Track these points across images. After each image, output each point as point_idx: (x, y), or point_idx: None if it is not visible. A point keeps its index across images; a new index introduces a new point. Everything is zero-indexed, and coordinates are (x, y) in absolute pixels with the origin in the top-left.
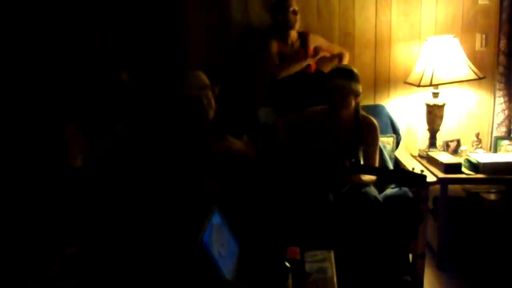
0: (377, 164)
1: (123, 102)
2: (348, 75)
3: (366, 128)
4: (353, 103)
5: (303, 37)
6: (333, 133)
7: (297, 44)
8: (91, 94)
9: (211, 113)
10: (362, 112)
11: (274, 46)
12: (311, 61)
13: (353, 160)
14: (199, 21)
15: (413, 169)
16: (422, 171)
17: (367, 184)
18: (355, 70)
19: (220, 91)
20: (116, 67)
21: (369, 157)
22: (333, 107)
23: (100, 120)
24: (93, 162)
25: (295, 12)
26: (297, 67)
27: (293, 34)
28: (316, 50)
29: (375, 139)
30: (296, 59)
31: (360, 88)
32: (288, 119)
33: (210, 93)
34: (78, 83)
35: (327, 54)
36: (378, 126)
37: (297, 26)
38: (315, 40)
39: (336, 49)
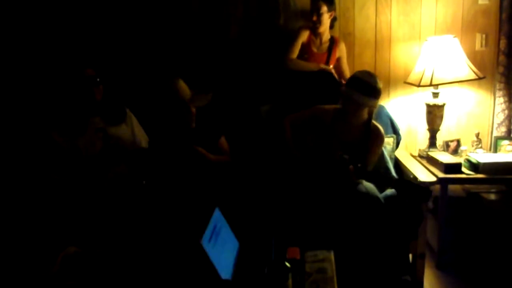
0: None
1: (95, 96)
2: (368, 91)
3: (374, 137)
4: (365, 114)
5: (333, 42)
6: (341, 136)
7: (325, 45)
8: (62, 90)
9: (193, 123)
10: (374, 122)
11: (305, 35)
12: (324, 67)
13: (359, 165)
14: (199, 17)
15: (417, 179)
16: (425, 183)
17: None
18: (379, 84)
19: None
20: (81, 63)
21: (366, 162)
22: (343, 114)
23: (75, 115)
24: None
25: (318, 12)
26: (309, 67)
27: (324, 34)
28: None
29: (378, 149)
30: (314, 59)
31: (377, 102)
32: (298, 115)
33: (191, 106)
34: (48, 82)
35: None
36: (384, 137)
37: (321, 26)
38: (341, 50)
39: (345, 69)
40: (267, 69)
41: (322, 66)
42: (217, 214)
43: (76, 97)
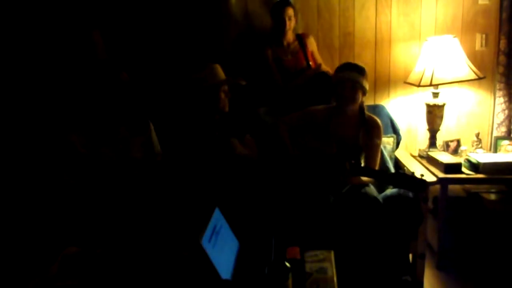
0: (377, 165)
1: (124, 103)
2: (358, 69)
3: (371, 128)
4: (360, 98)
5: (301, 38)
6: (337, 133)
7: (294, 45)
8: (92, 97)
9: (227, 107)
10: (368, 113)
11: (270, 54)
12: (312, 74)
13: (353, 162)
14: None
15: (413, 173)
16: (422, 175)
17: (366, 184)
18: (364, 68)
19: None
20: (116, 68)
21: (370, 158)
22: (340, 102)
23: (103, 123)
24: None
25: (289, 18)
26: (301, 81)
27: (289, 36)
28: (318, 66)
29: (378, 141)
30: (291, 66)
31: (367, 85)
32: (291, 117)
33: (226, 87)
34: (78, 86)
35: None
36: (382, 127)
37: (291, 29)
38: (311, 43)
39: (319, 60)
40: (265, 71)
41: (310, 73)
42: (217, 214)
43: (110, 101)
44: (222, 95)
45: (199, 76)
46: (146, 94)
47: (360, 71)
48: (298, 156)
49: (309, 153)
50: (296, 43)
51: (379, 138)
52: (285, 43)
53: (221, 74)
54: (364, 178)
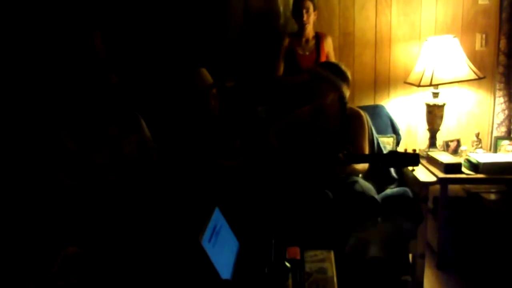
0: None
1: (113, 103)
2: (336, 70)
3: (354, 120)
4: (330, 95)
5: (319, 38)
6: (324, 129)
7: (312, 43)
8: (82, 97)
9: (217, 109)
10: (349, 105)
11: (286, 42)
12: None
13: (345, 152)
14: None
15: (405, 150)
16: (414, 150)
17: (359, 172)
18: (344, 69)
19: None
20: (107, 70)
21: (357, 149)
22: (312, 96)
23: (92, 123)
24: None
25: (306, 11)
26: (298, 80)
27: (308, 32)
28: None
29: (362, 130)
30: (303, 62)
31: (341, 84)
32: (279, 124)
33: (215, 91)
34: (69, 87)
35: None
36: (365, 117)
37: (309, 23)
38: (328, 45)
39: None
40: (265, 70)
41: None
42: (217, 214)
43: (99, 103)
44: (211, 100)
45: (186, 83)
46: (137, 94)
47: (338, 73)
48: (291, 153)
49: (300, 152)
50: (314, 42)
51: (362, 128)
52: (304, 39)
53: (208, 78)
54: (358, 167)
